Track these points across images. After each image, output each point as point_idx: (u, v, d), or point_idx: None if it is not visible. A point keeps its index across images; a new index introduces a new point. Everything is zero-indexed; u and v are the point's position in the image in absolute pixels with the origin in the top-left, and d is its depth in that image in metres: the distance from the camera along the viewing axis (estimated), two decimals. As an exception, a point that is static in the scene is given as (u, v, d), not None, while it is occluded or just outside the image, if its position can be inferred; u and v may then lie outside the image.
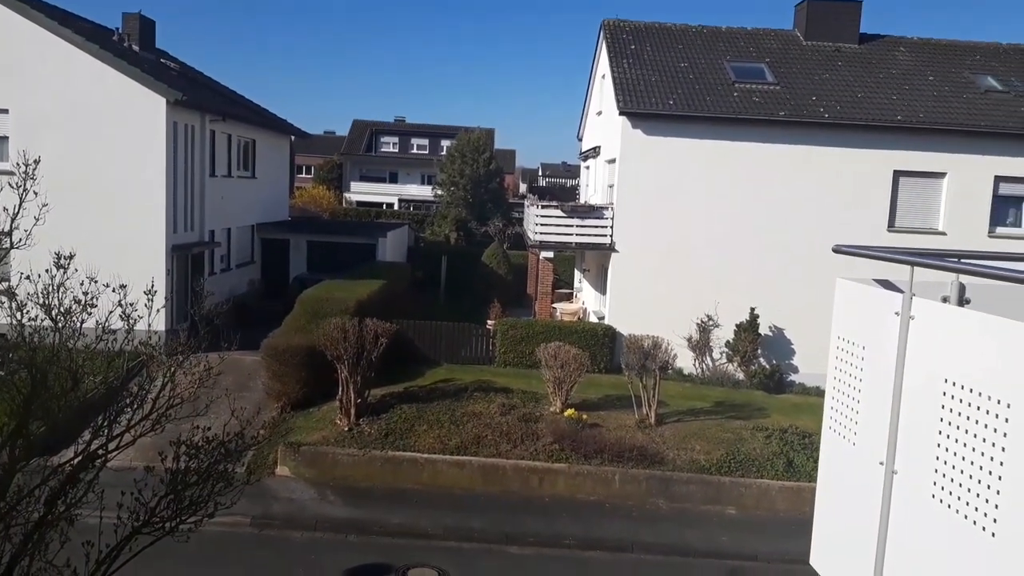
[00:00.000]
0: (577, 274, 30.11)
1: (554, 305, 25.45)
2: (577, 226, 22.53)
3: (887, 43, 25.01)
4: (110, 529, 6.13)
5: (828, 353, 3.78)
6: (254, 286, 28.00)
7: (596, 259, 25.03)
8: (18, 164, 7.07)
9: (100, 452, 6.41)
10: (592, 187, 27.79)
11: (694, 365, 21.21)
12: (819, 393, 19.53)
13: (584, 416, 16.72)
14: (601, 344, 20.85)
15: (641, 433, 16.45)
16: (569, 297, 29.35)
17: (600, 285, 24.40)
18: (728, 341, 21.09)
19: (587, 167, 29.96)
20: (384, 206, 62.19)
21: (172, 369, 6.89)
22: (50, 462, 6.42)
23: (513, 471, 15.26)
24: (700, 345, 21.07)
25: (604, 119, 25.02)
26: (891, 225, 21.33)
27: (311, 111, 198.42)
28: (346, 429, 16.03)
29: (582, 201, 28.56)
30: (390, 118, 73.72)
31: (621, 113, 21.12)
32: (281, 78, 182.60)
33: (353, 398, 16.24)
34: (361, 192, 64.99)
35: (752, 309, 20.85)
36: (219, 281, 24.32)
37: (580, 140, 32.21)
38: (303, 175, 69.61)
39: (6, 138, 20.10)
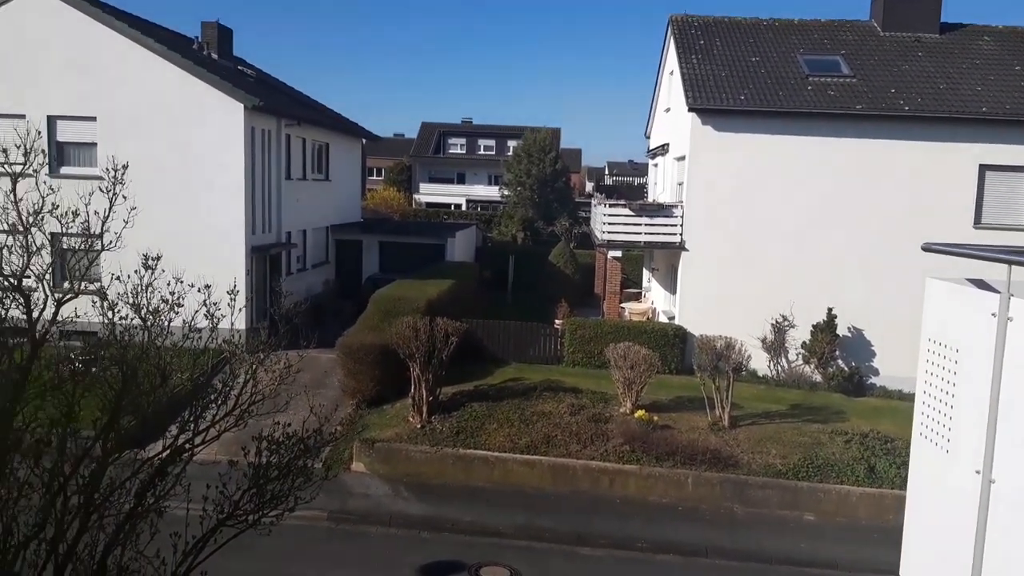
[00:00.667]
0: (646, 273, 29.79)
1: (622, 305, 25.23)
2: (646, 224, 22.28)
3: (970, 32, 23.88)
4: (196, 521, 6.35)
5: (914, 355, 3.64)
6: (329, 286, 28.68)
7: (665, 258, 24.71)
8: (107, 169, 7.37)
9: (187, 446, 6.64)
10: (660, 185, 27.45)
11: (768, 366, 20.71)
12: (901, 397, 18.86)
13: (655, 418, 16.53)
14: (671, 344, 20.57)
15: (714, 436, 16.16)
16: (637, 297, 29.06)
17: (670, 284, 24.08)
18: (804, 342, 20.53)
19: (655, 165, 29.61)
20: (452, 207, 62.86)
21: (254, 366, 7.09)
22: (139, 455, 6.67)
23: (583, 471, 15.20)
24: (775, 346, 20.57)
25: (673, 116, 24.68)
26: (977, 222, 20.37)
27: (381, 115, 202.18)
28: (418, 426, 16.26)
29: (650, 199, 28.23)
30: (457, 120, 74.50)
31: (690, 109, 20.79)
32: (352, 83, 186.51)
33: (425, 396, 16.46)
34: (430, 193, 65.86)
35: (830, 309, 20.24)
36: (296, 281, 25.02)
37: (648, 138, 31.85)
38: (374, 177, 70.96)
39: (94, 144, 21.10)
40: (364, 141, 35.96)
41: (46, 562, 5.97)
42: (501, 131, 68.35)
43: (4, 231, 6.53)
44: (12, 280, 6.31)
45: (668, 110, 25.75)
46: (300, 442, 6.88)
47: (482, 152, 68.58)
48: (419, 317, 17.25)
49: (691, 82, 21.45)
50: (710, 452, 15.35)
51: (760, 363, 20.17)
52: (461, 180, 67.76)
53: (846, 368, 20.34)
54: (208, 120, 20.98)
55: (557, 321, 22.81)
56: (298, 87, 35.16)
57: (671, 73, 24.98)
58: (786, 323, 20.54)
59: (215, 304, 6.99)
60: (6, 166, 6.73)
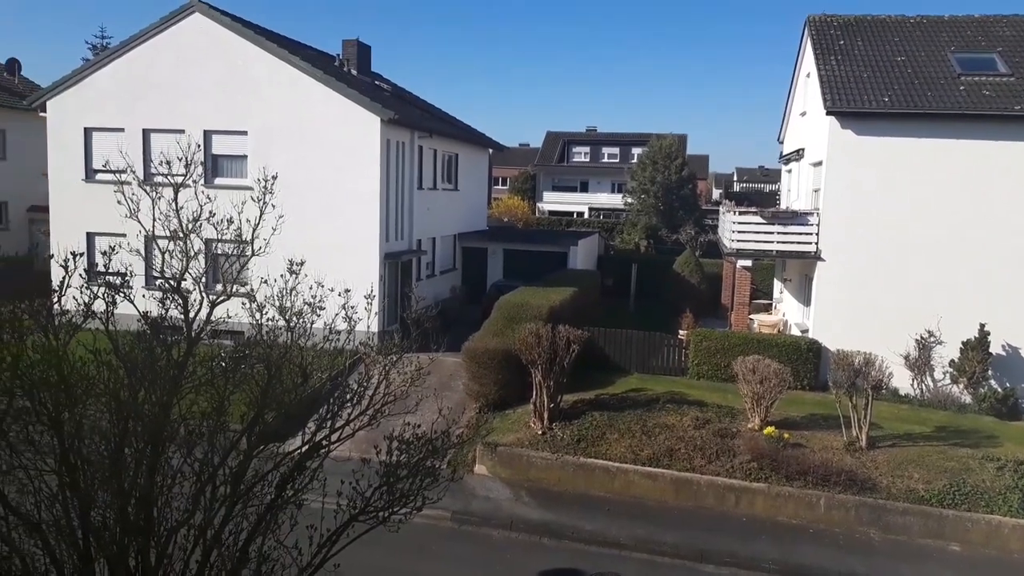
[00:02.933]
0: (777, 284, 28.66)
1: (751, 316, 24.40)
2: (778, 233, 21.46)
3: None
4: (330, 515, 6.64)
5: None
6: (455, 292, 29.38)
7: (799, 268, 23.69)
8: (258, 180, 7.88)
9: (323, 443, 6.96)
10: (795, 192, 26.36)
11: (911, 385, 19.40)
12: (1066, 422, 17.18)
13: (785, 435, 15.84)
14: (804, 359, 19.67)
15: (850, 456, 15.31)
16: (768, 308, 28.00)
17: (803, 296, 23.06)
18: (952, 360, 19.11)
19: (788, 171, 28.48)
20: (575, 215, 62.91)
21: (387, 368, 7.35)
22: (280, 449, 7.04)
23: (708, 487, 14.78)
24: (919, 363, 19.24)
25: (809, 120, 23.66)
26: None
27: (507, 124, 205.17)
28: (539, 433, 16.34)
29: (783, 207, 27.16)
30: (582, 128, 74.51)
31: (828, 113, 19.85)
32: (481, 94, 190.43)
33: (546, 402, 16.53)
34: (553, 201, 66.23)
35: (982, 325, 18.75)
36: (424, 287, 25.80)
37: (781, 143, 30.70)
38: (499, 186, 72.12)
39: (245, 156, 22.60)
40: (491, 151, 36.63)
41: (194, 546, 6.41)
42: (626, 138, 67.82)
43: (166, 237, 7.09)
44: (172, 283, 6.85)
45: (804, 114, 24.72)
46: (428, 443, 7.06)
47: (606, 160, 68.28)
48: (541, 324, 17.36)
49: (830, 84, 20.48)
50: (845, 473, 14.54)
51: (902, 381, 18.91)
52: (584, 188, 67.74)
53: (999, 389, 18.75)
54: (347, 132, 22.01)
55: (681, 332, 22.33)
56: (430, 99, 36.31)
57: (807, 75, 23.98)
58: (932, 339, 19.19)
59: (352, 308, 7.31)
60: (169, 177, 7.33)
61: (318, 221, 21.58)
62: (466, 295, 29.35)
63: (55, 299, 6.29)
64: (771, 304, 28.47)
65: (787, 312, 25.67)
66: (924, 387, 19.40)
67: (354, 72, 27.68)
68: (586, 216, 63.49)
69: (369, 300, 7.37)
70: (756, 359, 16.87)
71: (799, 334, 21.90)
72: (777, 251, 21.94)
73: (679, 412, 17.09)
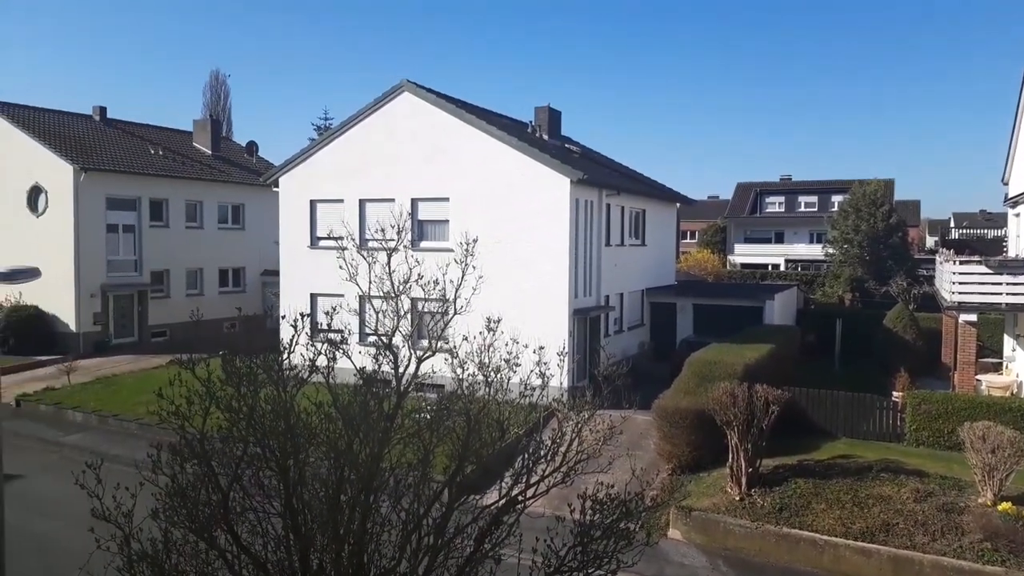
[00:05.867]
0: (1008, 340, 25.60)
1: (978, 377, 21.94)
2: (1007, 284, 19.37)
3: None
4: (525, 571, 6.70)
5: None
6: (644, 348, 29.05)
7: (1035, 323, 21.09)
8: (460, 243, 8.38)
9: (519, 498, 7.09)
10: (1025, 238, 23.68)
11: None
12: None
13: (1025, 512, 13.94)
14: (1046, 426, 17.30)
15: (1111, 542, 13.14)
16: (998, 368, 25.02)
17: (1042, 355, 20.44)
18: None
19: (1016, 214, 25.68)
20: (769, 267, 60.32)
21: (579, 425, 7.40)
22: (478, 502, 7.25)
23: (932, 568, 13.26)
24: None
25: (1041, 159, 21.30)
26: None
27: (695, 177, 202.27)
28: (737, 498, 15.56)
29: (1011, 254, 24.42)
30: (775, 178, 71.83)
31: (1066, 150, 17.78)
32: (668, 147, 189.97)
33: (744, 466, 15.75)
34: (745, 254, 63.99)
35: None
36: (612, 342, 25.77)
37: (1006, 184, 27.81)
38: (687, 240, 70.99)
39: (447, 221, 24.04)
40: (678, 205, 36.29)
41: (400, 594, 6.71)
42: (824, 186, 64.43)
43: (380, 297, 7.68)
44: (385, 339, 7.39)
45: (1033, 152, 22.30)
46: (622, 504, 6.98)
47: (803, 209, 65.12)
48: (736, 383, 16.67)
49: (1064, 119, 18.39)
50: (1107, 563, 12.50)
51: None
52: (779, 239, 64.87)
53: None
54: (539, 194, 22.82)
55: (896, 393, 20.49)
56: (617, 158, 36.83)
57: (1036, 110, 21.69)
58: None
59: (546, 364, 7.47)
60: (384, 242, 7.99)
61: (512, 279, 22.36)
62: (654, 351, 28.90)
63: (285, 355, 6.99)
64: (1001, 363, 25.43)
65: (1021, 372, 22.81)
66: None
67: (545, 136, 28.76)
68: (782, 268, 60.63)
69: (561, 356, 7.49)
70: (987, 425, 15.09)
71: (1039, 398, 19.34)
72: (1007, 304, 19.76)
73: (895, 482, 15.59)
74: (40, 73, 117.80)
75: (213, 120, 44.09)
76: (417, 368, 7.42)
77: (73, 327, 31.67)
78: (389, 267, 7.51)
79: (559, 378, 8.40)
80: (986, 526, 13.55)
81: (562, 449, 7.32)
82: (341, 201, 25.46)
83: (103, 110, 37.90)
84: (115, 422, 22.85)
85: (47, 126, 33.67)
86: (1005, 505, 14.15)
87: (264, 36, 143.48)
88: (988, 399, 19.21)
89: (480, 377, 7.38)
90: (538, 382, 7.35)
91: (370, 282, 7.71)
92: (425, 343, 7.72)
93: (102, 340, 32.43)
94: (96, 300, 32.31)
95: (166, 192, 35.18)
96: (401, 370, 7.34)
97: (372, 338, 7.53)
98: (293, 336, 6.85)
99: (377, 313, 7.45)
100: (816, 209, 63.12)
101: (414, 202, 24.41)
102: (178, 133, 41.52)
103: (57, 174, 31.53)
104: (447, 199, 24.04)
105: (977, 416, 16.78)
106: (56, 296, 31.40)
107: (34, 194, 32.47)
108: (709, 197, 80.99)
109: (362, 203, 25.28)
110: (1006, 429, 14.86)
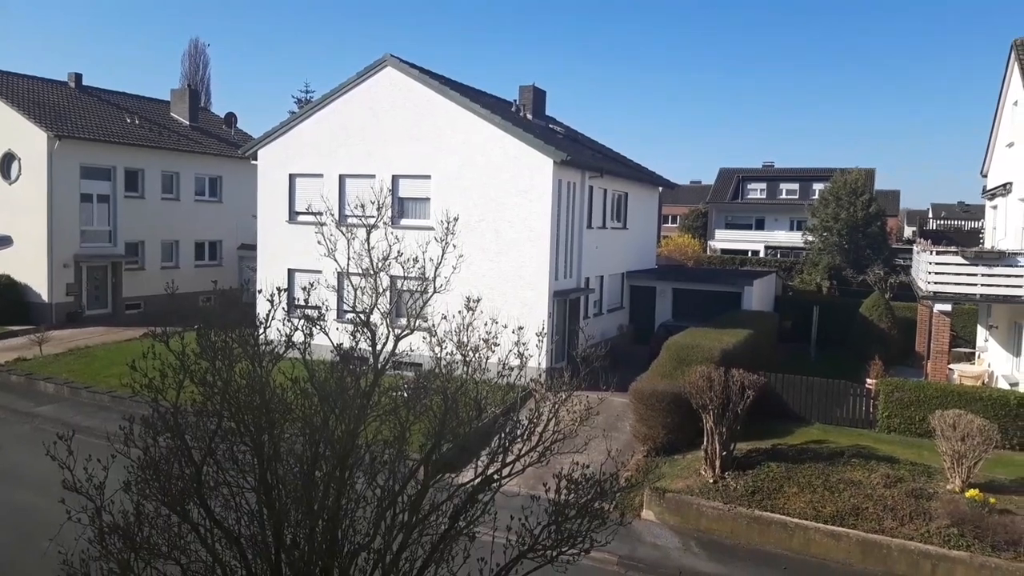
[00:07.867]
0: (981, 331, 26.01)
1: (951, 366, 22.27)
2: (983, 275, 19.60)
3: None
4: (500, 549, 6.72)
5: None
6: (622, 330, 29.17)
7: (1007, 314, 21.42)
8: (441, 221, 8.30)
9: (495, 476, 7.10)
10: (1001, 230, 23.96)
11: None
12: None
13: (991, 499, 14.21)
14: (1014, 416, 17.64)
15: (1073, 529, 13.45)
16: (970, 358, 25.43)
17: (1012, 346, 20.79)
18: None
19: (994, 207, 25.97)
20: (749, 253, 60.68)
21: (556, 405, 7.40)
22: (454, 480, 7.25)
23: (899, 552, 13.51)
24: None
25: (1017, 151, 21.52)
26: None
27: (678, 162, 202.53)
28: (710, 481, 15.72)
29: (988, 246, 24.73)
30: (757, 164, 72.11)
31: (1044, 144, 17.97)
32: (652, 131, 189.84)
33: (718, 450, 15.90)
34: (725, 240, 64.33)
35: None
36: (592, 325, 25.85)
37: (984, 176, 28.11)
38: (668, 224, 71.16)
39: (428, 199, 23.88)
40: (661, 189, 36.32)
41: (373, 569, 6.70)
42: (806, 174, 64.79)
43: (358, 274, 7.60)
44: (363, 317, 7.32)
45: (1011, 145, 22.52)
46: (597, 484, 7.01)
47: (784, 196, 65.48)
48: (713, 367, 16.79)
49: (1044, 112, 18.58)
50: (1068, 549, 12.78)
51: None
52: (760, 226, 65.26)
53: None
54: (521, 174, 22.70)
55: (869, 381, 20.75)
56: (600, 139, 36.75)
57: (1015, 104, 21.90)
58: None
59: (524, 344, 7.46)
60: (363, 219, 7.89)
61: (492, 259, 22.29)
62: (633, 334, 29.05)
63: (261, 330, 6.91)
64: (974, 353, 25.84)
65: (993, 362, 23.19)
66: None
67: (529, 116, 28.58)
68: (762, 255, 61.04)
69: (541, 337, 7.48)
70: (957, 414, 15.33)
71: (1007, 387, 19.72)
72: (981, 295, 20.02)
73: (866, 468, 15.83)
74: (14, 38, 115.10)
75: (192, 90, 43.26)
76: (395, 346, 7.37)
77: (45, 297, 31.21)
78: (368, 244, 7.43)
79: (538, 359, 8.41)
80: (953, 512, 13.80)
81: (539, 429, 7.32)
82: (321, 176, 25.19)
83: (79, 77, 37.10)
84: (87, 394, 22.61)
85: (21, 92, 32.93)
86: (972, 492, 14.42)
87: (245, 5, 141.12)
88: (960, 388, 19.52)
89: (458, 356, 7.36)
90: (516, 362, 7.33)
91: (349, 259, 7.63)
92: (403, 321, 7.67)
93: (75, 311, 32.00)
94: (69, 270, 31.83)
95: (142, 162, 34.60)
96: (379, 347, 7.29)
97: (350, 315, 7.46)
98: (270, 311, 6.78)
99: (356, 290, 7.37)
100: (797, 196, 63.50)
101: (395, 179, 24.20)
102: (155, 102, 40.80)
103: (31, 141, 30.89)
104: (429, 176, 23.86)
105: (948, 404, 17.06)
106: (29, 265, 30.91)
107: (7, 161, 31.82)
108: (692, 182, 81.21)
109: (342, 178, 25.02)
110: (976, 417, 15.11)
